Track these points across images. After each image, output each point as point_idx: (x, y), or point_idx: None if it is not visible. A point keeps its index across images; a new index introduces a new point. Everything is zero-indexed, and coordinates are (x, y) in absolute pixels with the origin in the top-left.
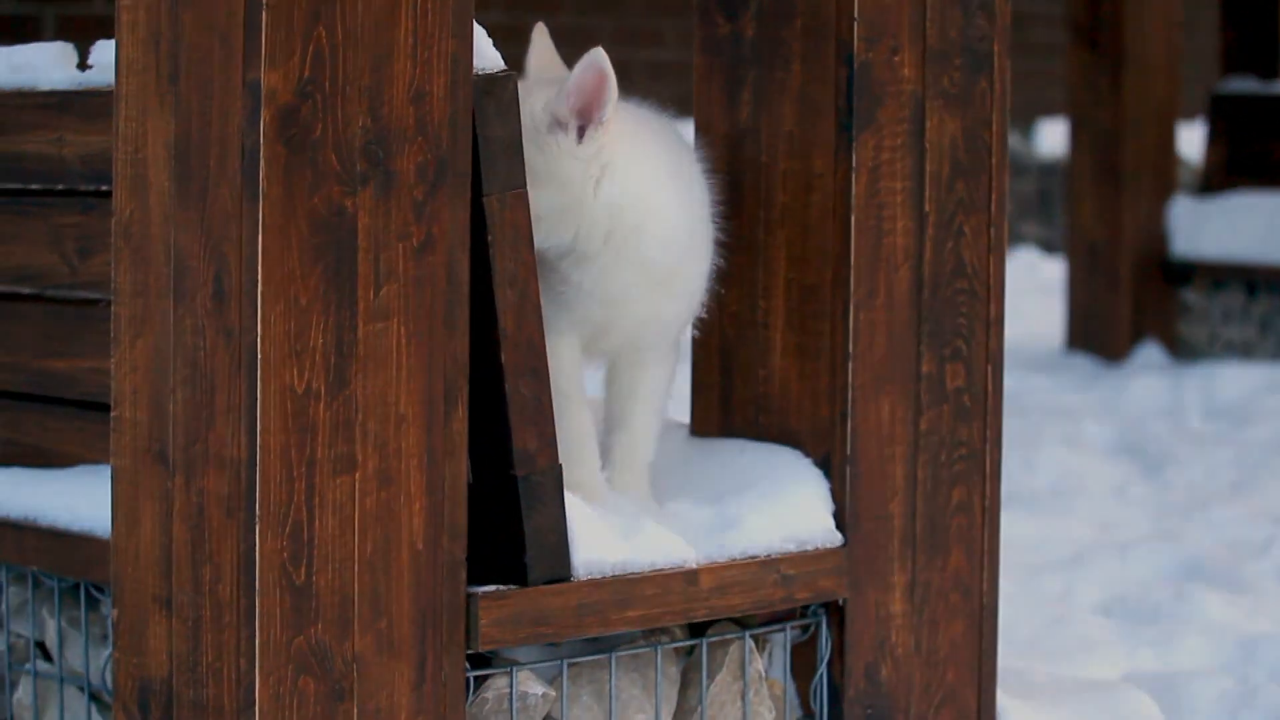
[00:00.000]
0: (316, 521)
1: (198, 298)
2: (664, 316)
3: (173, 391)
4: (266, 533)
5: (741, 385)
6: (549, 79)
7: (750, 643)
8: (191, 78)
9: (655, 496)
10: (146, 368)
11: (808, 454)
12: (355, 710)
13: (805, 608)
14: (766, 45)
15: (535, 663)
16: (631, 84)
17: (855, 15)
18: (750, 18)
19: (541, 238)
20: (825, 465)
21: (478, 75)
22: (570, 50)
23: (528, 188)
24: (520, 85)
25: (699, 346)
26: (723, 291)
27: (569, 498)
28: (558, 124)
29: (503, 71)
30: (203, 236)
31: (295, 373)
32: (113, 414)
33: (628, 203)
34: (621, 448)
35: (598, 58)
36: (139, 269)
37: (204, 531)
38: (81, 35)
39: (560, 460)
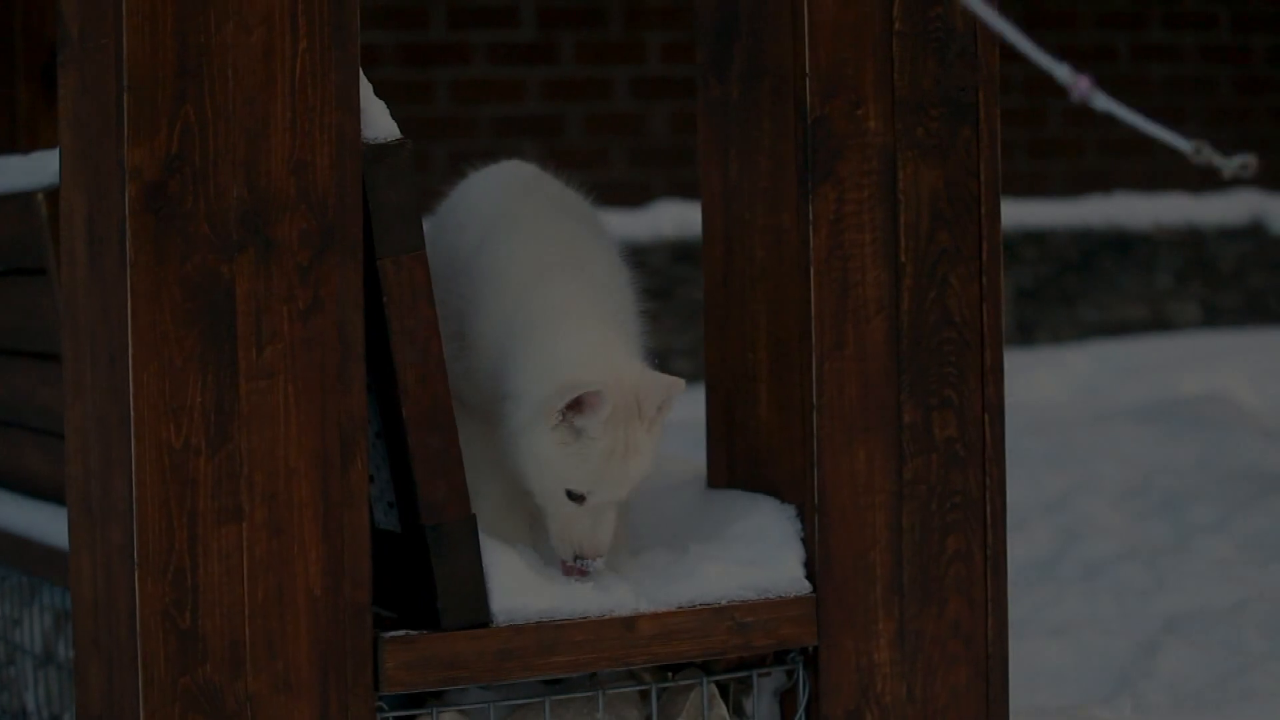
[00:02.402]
0: (200, 569)
1: (100, 362)
2: None
3: (92, 450)
4: (147, 579)
5: (739, 437)
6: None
7: (712, 689)
8: (91, 158)
9: (629, 546)
10: (80, 427)
11: (786, 503)
12: None
13: (785, 653)
14: (746, 105)
15: (460, 705)
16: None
17: (807, 70)
18: (735, 79)
19: None
20: (800, 514)
21: (367, 144)
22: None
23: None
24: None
25: (709, 401)
26: (725, 347)
27: (497, 549)
28: None
29: (395, 140)
30: (102, 305)
31: (173, 429)
32: (66, 472)
33: None
34: None
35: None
36: (73, 339)
37: (111, 579)
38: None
39: (489, 518)
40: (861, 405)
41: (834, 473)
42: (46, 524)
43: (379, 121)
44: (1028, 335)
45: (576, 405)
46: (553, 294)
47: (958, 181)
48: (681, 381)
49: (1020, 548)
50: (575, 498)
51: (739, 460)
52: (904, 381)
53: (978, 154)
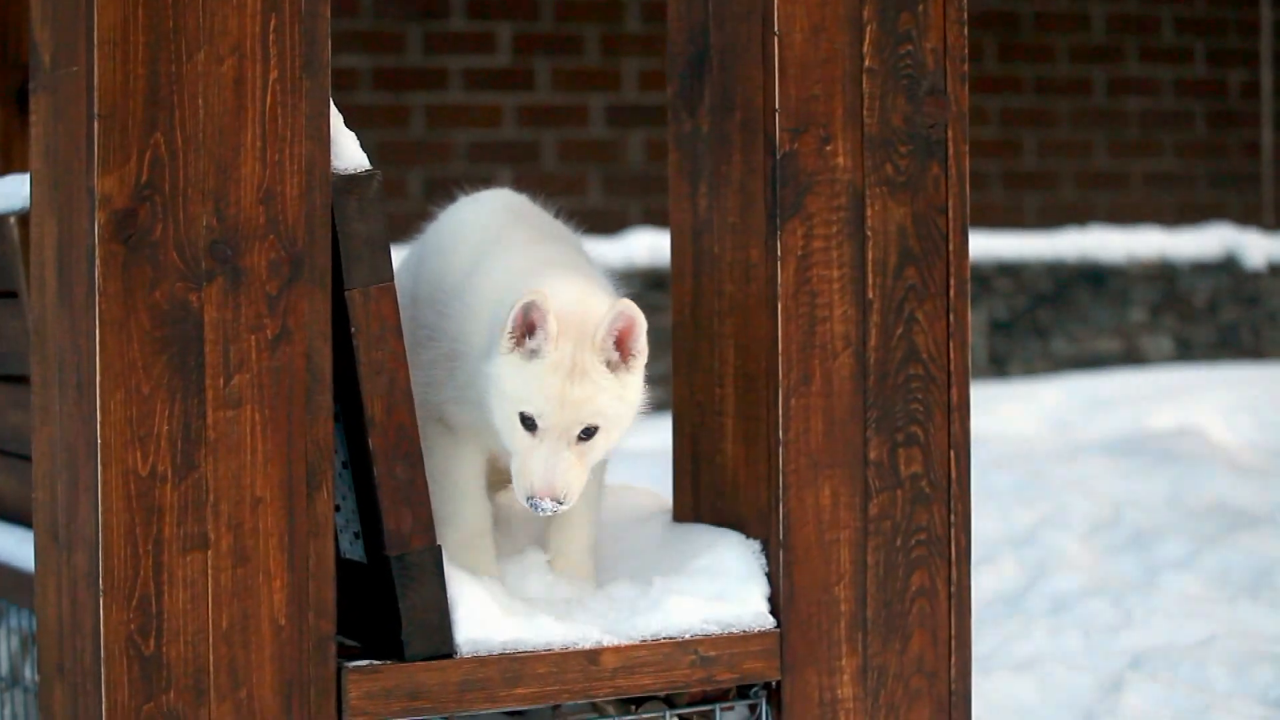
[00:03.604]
0: (165, 596)
1: (68, 388)
2: None
3: (60, 475)
4: (112, 605)
5: (705, 471)
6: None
7: None
8: (62, 185)
9: (595, 579)
10: (48, 452)
11: (751, 537)
12: None
13: (748, 688)
14: (716, 139)
15: None
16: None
17: (776, 106)
18: (704, 113)
19: None
20: (766, 549)
21: (337, 175)
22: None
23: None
24: None
25: (675, 434)
26: (692, 381)
27: (463, 580)
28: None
29: (365, 171)
30: (70, 331)
31: (139, 456)
32: (33, 496)
33: None
34: (558, 534)
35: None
36: (42, 364)
37: (76, 604)
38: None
39: (457, 549)
40: (827, 441)
41: (799, 508)
42: (14, 546)
43: (349, 152)
44: (1000, 367)
45: (529, 326)
46: (542, 269)
47: (926, 218)
48: (627, 303)
49: (988, 581)
50: (528, 423)
51: (704, 494)
52: (870, 418)
53: (946, 191)
